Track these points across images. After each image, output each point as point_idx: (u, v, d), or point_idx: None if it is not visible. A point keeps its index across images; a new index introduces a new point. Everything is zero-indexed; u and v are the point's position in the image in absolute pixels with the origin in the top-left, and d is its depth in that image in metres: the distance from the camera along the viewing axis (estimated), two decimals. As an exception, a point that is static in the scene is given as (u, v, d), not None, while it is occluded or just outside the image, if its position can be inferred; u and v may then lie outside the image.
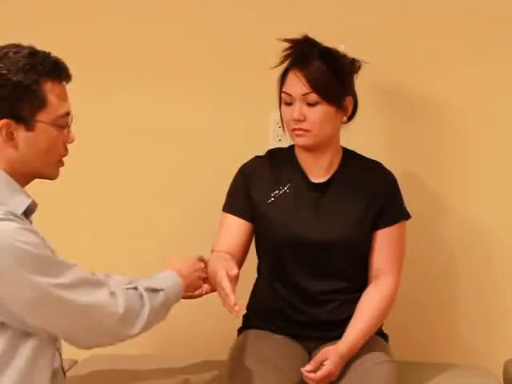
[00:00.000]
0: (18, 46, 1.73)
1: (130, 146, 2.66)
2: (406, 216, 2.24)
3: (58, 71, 1.74)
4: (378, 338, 2.22)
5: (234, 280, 1.95)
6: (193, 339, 2.63)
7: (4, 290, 1.62)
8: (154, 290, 1.87)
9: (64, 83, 1.77)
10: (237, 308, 1.87)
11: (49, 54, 1.74)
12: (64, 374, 1.91)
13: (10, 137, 1.70)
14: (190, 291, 2.09)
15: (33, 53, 1.72)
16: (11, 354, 1.67)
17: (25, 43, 1.76)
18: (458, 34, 2.51)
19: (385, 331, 2.29)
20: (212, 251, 2.21)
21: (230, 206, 2.25)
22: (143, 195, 2.67)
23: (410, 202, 2.26)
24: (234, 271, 1.94)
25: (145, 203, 2.67)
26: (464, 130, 2.55)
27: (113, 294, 1.76)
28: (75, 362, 2.36)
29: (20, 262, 1.61)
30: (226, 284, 1.91)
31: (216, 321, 2.40)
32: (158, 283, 1.91)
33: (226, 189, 2.28)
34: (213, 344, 2.58)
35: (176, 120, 2.64)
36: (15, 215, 1.67)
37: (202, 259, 2.15)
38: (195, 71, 2.61)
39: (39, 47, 1.78)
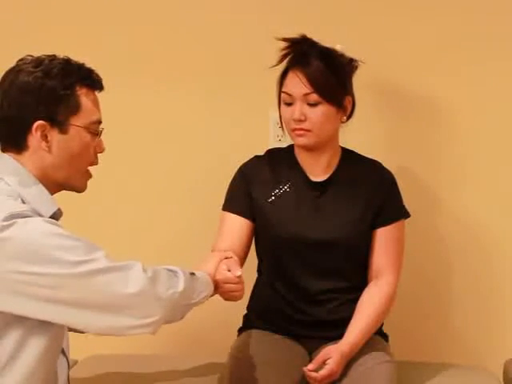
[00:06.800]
0: (52, 55, 1.77)
1: (129, 146, 2.65)
2: (405, 215, 2.25)
3: (92, 79, 1.79)
4: (378, 337, 2.22)
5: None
6: (193, 339, 2.63)
7: None
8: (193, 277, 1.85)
9: (97, 92, 1.82)
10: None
11: (83, 64, 1.79)
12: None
13: (45, 139, 1.73)
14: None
15: (68, 61, 1.77)
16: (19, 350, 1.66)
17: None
18: (454, 34, 2.51)
19: (385, 331, 2.29)
20: (212, 251, 2.20)
21: (230, 205, 2.25)
22: (143, 195, 2.67)
23: (408, 200, 2.27)
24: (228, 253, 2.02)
25: (144, 203, 2.67)
26: (461, 128, 2.55)
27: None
28: (75, 362, 2.36)
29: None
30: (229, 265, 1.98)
31: (216, 321, 2.40)
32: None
33: (226, 189, 2.28)
34: (213, 344, 2.58)
35: (176, 121, 2.64)
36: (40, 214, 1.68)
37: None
38: (195, 71, 2.61)
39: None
